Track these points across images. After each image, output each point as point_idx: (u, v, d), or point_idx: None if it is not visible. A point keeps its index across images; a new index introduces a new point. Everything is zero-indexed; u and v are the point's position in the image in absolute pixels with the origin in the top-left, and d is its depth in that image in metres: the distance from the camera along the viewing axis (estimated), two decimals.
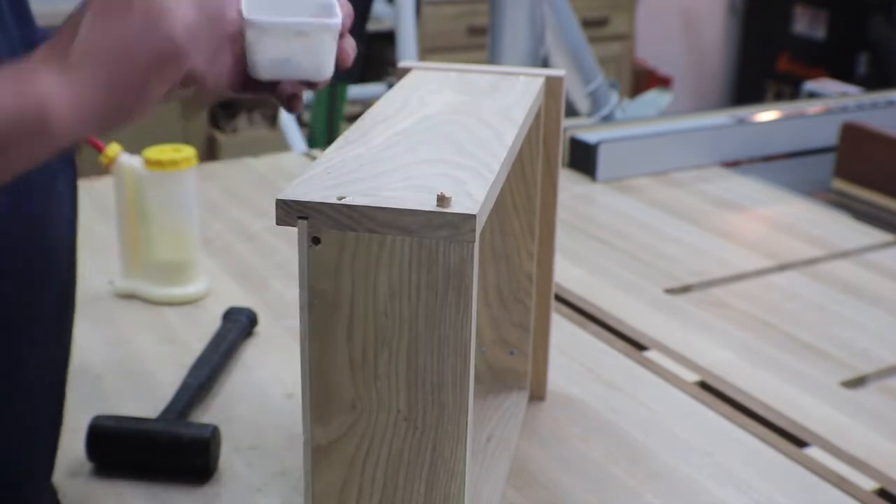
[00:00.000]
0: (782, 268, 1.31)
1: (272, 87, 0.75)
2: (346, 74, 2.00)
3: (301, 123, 2.19)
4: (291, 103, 0.75)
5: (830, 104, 1.88)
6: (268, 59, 0.71)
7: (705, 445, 0.91)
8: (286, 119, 2.11)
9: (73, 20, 0.59)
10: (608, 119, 1.77)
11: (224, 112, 3.26)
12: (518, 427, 0.91)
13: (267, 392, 0.97)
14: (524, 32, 1.67)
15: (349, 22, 0.72)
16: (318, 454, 0.62)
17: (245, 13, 0.71)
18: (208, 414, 0.93)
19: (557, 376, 1.00)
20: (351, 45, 0.74)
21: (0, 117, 0.55)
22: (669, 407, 0.97)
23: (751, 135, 1.75)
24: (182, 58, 0.61)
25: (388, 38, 2.50)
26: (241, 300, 1.15)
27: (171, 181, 1.10)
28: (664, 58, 4.10)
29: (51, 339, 0.75)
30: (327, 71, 0.72)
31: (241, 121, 3.26)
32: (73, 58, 0.58)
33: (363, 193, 0.57)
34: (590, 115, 1.78)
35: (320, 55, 0.71)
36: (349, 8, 0.73)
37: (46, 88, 0.57)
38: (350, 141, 0.66)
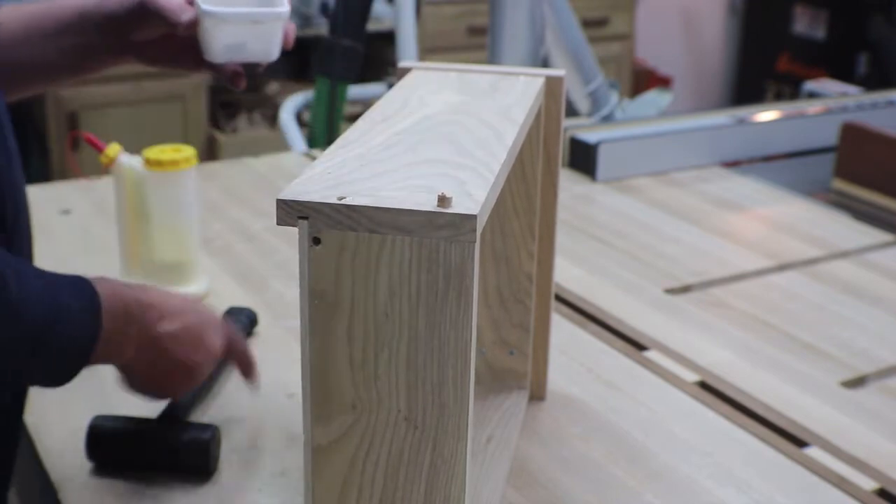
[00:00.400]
0: (782, 268, 1.31)
1: (217, 65, 0.84)
2: (345, 74, 2.00)
3: (301, 123, 2.19)
4: (235, 80, 0.84)
5: (830, 104, 1.88)
6: (223, 45, 0.79)
7: (705, 445, 0.91)
8: (286, 119, 2.11)
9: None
10: (608, 119, 1.77)
11: (224, 112, 3.26)
12: (518, 427, 0.91)
13: (267, 392, 0.97)
14: (524, 32, 1.67)
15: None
16: (318, 454, 0.62)
17: (201, 3, 0.77)
18: (208, 414, 0.93)
19: (557, 376, 1.00)
20: (292, 28, 0.84)
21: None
22: (669, 407, 0.97)
23: (751, 135, 1.75)
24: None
25: (388, 38, 2.50)
26: (241, 300, 1.15)
27: (171, 181, 1.10)
28: (664, 58, 4.10)
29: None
30: (275, 53, 0.81)
31: (241, 121, 3.26)
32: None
33: (363, 193, 0.57)
34: (590, 115, 1.78)
35: (270, 40, 0.80)
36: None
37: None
38: (350, 141, 0.67)
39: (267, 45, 0.81)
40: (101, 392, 0.96)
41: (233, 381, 0.99)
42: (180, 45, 0.87)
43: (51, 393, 0.94)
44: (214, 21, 0.78)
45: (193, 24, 0.82)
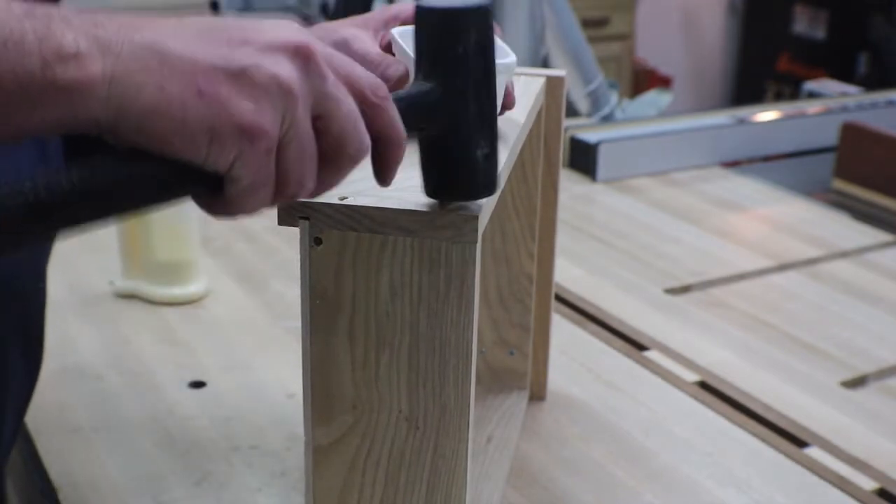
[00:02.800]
0: (782, 268, 1.31)
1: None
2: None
3: None
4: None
5: (830, 104, 1.88)
6: None
7: (705, 445, 0.91)
8: None
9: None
10: (608, 119, 1.77)
11: None
12: (518, 427, 0.91)
13: (267, 392, 0.97)
14: (524, 32, 1.67)
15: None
16: (319, 454, 0.62)
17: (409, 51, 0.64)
18: (208, 413, 0.93)
19: (557, 376, 1.00)
20: (512, 86, 0.70)
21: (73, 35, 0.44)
22: (669, 407, 0.97)
23: (751, 135, 1.75)
24: (288, 99, 0.47)
25: None
26: (242, 300, 1.15)
27: None
28: (664, 58, 4.10)
29: (9, 373, 0.73)
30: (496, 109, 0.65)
31: None
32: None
33: (365, 193, 0.57)
34: (590, 115, 1.78)
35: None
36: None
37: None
38: None
39: None
40: (101, 392, 0.97)
41: (233, 381, 0.99)
42: None
43: (51, 393, 0.95)
44: None
45: (403, 80, 0.67)
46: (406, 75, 0.67)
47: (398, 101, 0.53)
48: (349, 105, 0.49)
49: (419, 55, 0.56)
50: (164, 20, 0.48)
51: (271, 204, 0.50)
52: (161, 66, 0.45)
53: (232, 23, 0.49)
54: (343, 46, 0.69)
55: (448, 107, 0.55)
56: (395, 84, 0.67)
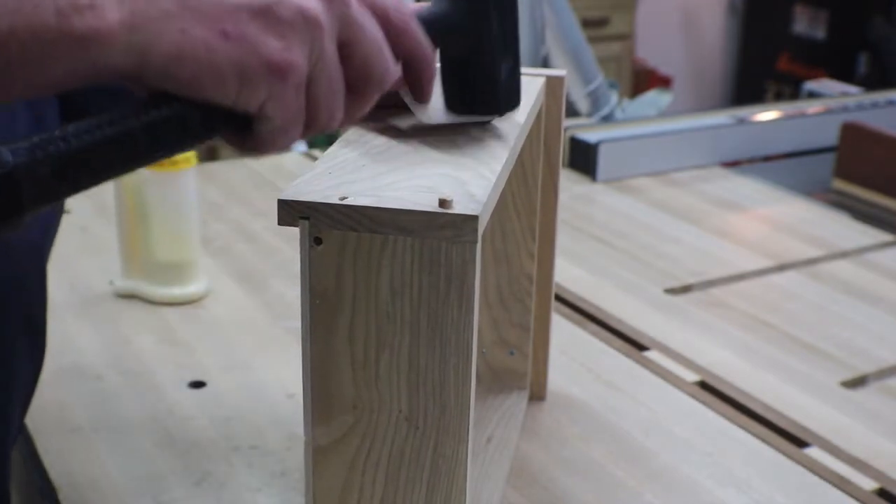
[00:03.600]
0: (782, 268, 1.31)
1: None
2: None
3: None
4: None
5: (830, 104, 1.88)
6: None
7: (705, 445, 0.91)
8: None
9: None
10: (608, 119, 1.77)
11: None
12: (518, 427, 0.91)
13: (267, 392, 0.97)
14: (524, 32, 1.67)
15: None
16: (319, 454, 0.62)
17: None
18: (208, 413, 0.93)
19: (557, 376, 1.00)
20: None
21: None
22: (669, 407, 0.97)
23: (751, 135, 1.75)
24: (317, 30, 0.46)
25: None
26: (242, 300, 1.15)
27: (171, 181, 1.10)
28: (664, 58, 4.10)
29: (15, 364, 0.73)
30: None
31: None
32: None
33: (365, 194, 0.57)
34: (590, 115, 1.78)
35: None
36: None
37: None
38: (351, 141, 0.66)
39: None
40: (100, 392, 0.97)
41: (233, 381, 0.99)
42: None
43: (51, 393, 0.95)
44: None
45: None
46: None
47: (421, 21, 0.53)
48: (373, 30, 0.49)
49: None
50: None
51: (302, 138, 0.49)
52: (182, 9, 0.44)
53: None
54: None
55: (472, 25, 0.54)
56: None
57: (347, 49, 0.48)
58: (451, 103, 0.56)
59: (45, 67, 0.43)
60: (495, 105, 0.56)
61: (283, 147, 0.49)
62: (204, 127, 0.47)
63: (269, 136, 0.48)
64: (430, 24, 0.53)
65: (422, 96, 0.53)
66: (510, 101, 0.56)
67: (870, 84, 2.90)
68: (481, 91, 0.56)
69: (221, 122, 0.47)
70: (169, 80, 0.44)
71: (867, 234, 1.42)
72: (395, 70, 0.50)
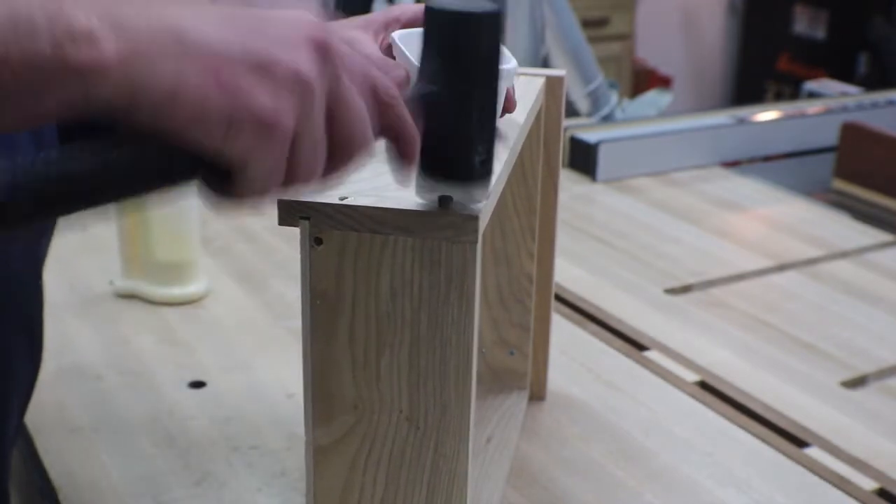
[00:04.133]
0: (782, 268, 1.31)
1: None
2: None
3: None
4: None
5: (830, 104, 1.88)
6: None
7: (705, 445, 0.91)
8: None
9: None
10: (608, 119, 1.77)
11: None
12: (518, 427, 0.91)
13: (267, 392, 0.97)
14: (524, 32, 1.67)
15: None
16: (319, 454, 0.62)
17: (411, 57, 0.65)
18: (208, 413, 0.93)
19: (557, 376, 1.00)
20: (513, 90, 0.70)
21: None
22: (669, 407, 0.97)
23: (751, 135, 1.75)
24: (305, 93, 0.46)
25: None
26: (242, 300, 1.15)
27: None
28: (664, 58, 4.10)
29: (13, 364, 0.73)
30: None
31: None
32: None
33: (365, 194, 0.57)
34: (590, 115, 1.78)
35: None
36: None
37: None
38: None
39: None
40: (100, 392, 0.97)
41: (233, 381, 0.99)
42: None
43: (51, 393, 0.95)
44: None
45: (403, 84, 0.65)
46: (407, 79, 0.67)
47: (410, 97, 0.54)
48: (359, 105, 0.49)
49: (425, 55, 0.55)
50: (185, 2, 0.46)
51: (277, 192, 0.50)
52: (180, 52, 0.44)
53: (253, 11, 0.48)
54: None
55: (451, 110, 0.55)
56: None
57: (333, 116, 0.48)
58: (418, 185, 0.57)
59: (38, 98, 0.42)
60: (469, 174, 0.56)
61: (258, 197, 0.49)
62: (186, 170, 0.47)
63: (247, 186, 0.48)
64: (416, 101, 0.54)
65: (402, 170, 0.54)
66: (478, 192, 0.57)
67: (870, 84, 2.90)
68: (451, 175, 0.56)
69: (203, 167, 0.47)
70: (158, 122, 0.44)
71: (867, 234, 1.42)
72: (372, 142, 0.51)
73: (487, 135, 0.56)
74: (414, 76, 0.61)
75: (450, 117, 0.55)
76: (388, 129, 0.52)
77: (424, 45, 0.55)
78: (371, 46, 0.69)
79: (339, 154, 0.50)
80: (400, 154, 0.53)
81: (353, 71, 0.49)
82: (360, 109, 0.49)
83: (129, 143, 0.46)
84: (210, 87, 0.44)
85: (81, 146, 0.45)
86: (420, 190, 0.57)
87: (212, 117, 0.44)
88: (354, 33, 0.70)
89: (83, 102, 0.43)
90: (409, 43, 0.66)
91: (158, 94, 0.44)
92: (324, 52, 0.47)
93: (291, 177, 0.48)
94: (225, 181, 0.48)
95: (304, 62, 0.46)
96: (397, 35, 0.68)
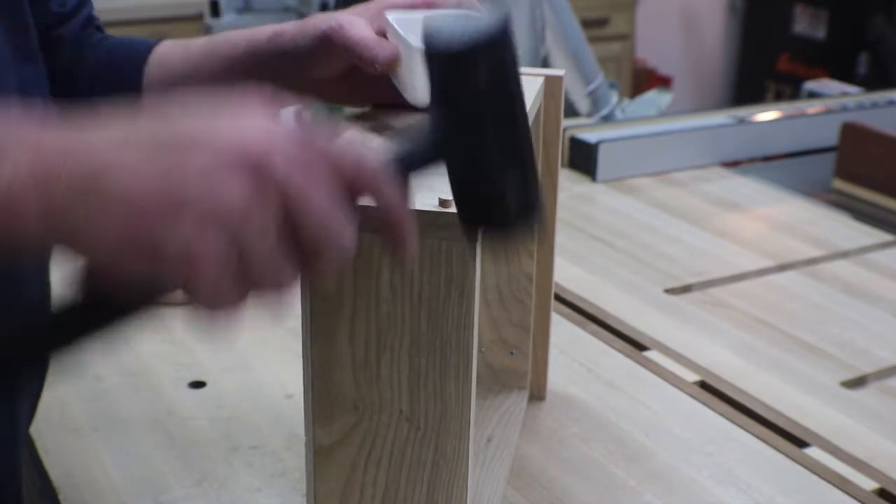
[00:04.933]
0: (782, 268, 1.31)
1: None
2: None
3: None
4: None
5: (830, 104, 1.88)
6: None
7: (705, 445, 0.91)
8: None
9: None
10: (608, 119, 1.78)
11: None
12: (518, 427, 0.91)
13: (267, 392, 0.97)
14: (524, 32, 1.67)
15: None
16: (320, 455, 0.62)
17: (409, 38, 0.63)
18: (208, 413, 0.93)
19: (557, 376, 1.00)
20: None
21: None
22: (669, 407, 0.97)
23: (751, 135, 1.75)
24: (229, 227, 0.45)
25: None
26: None
27: None
28: (664, 58, 4.10)
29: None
30: None
31: None
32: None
33: None
34: (590, 115, 1.78)
35: None
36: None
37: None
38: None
39: None
40: (100, 392, 0.97)
41: (233, 381, 0.99)
42: (369, 80, 0.72)
43: (51, 393, 0.95)
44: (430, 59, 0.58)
45: (394, 62, 0.69)
46: (397, 57, 0.67)
47: (408, 151, 0.51)
48: (319, 202, 0.47)
49: (433, 92, 0.52)
50: (109, 130, 0.47)
51: (252, 298, 0.50)
52: (99, 204, 0.45)
53: (183, 126, 0.47)
54: (338, 31, 0.70)
55: (465, 144, 0.51)
56: (386, 65, 0.68)
57: (294, 221, 0.47)
58: (461, 215, 0.54)
59: None
60: (507, 217, 0.52)
61: (231, 309, 0.50)
62: (149, 294, 0.50)
63: (204, 306, 0.49)
64: (422, 150, 0.51)
65: (398, 251, 0.51)
66: (522, 213, 0.53)
67: (870, 84, 2.90)
68: (488, 205, 0.52)
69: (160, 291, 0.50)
70: (85, 261, 0.48)
71: (867, 234, 1.42)
72: (350, 234, 0.49)
73: (516, 156, 0.51)
74: (408, 58, 0.59)
75: (464, 152, 0.51)
76: (374, 215, 0.50)
77: (429, 82, 0.52)
78: (364, 28, 0.70)
79: (313, 256, 0.48)
80: (390, 233, 0.51)
81: (314, 164, 0.47)
82: (320, 208, 0.47)
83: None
84: (129, 235, 0.45)
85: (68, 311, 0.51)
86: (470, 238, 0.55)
87: (132, 262, 0.46)
88: (349, 17, 0.71)
89: (12, 242, 0.46)
90: (405, 24, 0.66)
91: (79, 244, 0.46)
92: (259, 166, 0.45)
93: (258, 286, 0.49)
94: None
95: (232, 189, 0.45)
96: (392, 16, 0.68)
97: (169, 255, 0.45)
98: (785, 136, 1.78)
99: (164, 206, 0.45)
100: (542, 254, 0.92)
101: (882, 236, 1.42)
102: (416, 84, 0.67)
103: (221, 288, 0.47)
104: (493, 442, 0.88)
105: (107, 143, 0.46)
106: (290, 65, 0.73)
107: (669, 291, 1.23)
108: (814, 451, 0.91)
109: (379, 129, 0.70)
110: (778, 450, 0.91)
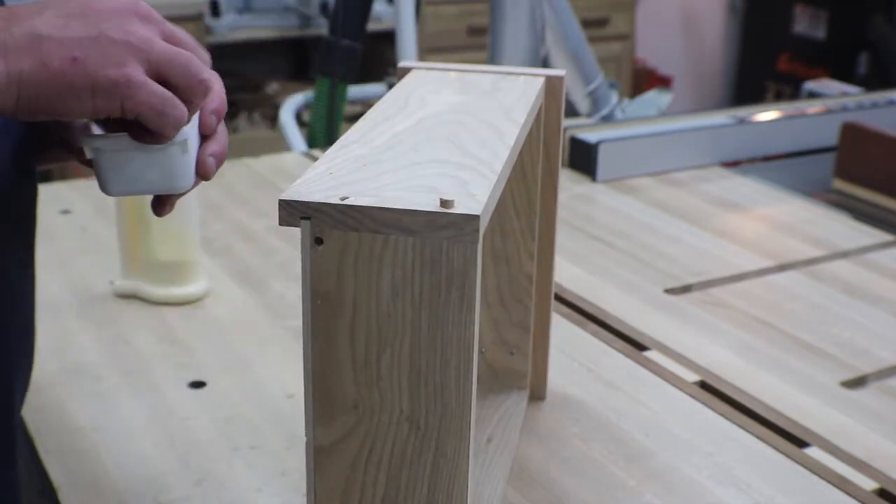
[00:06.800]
0: (782, 268, 1.31)
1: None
2: (346, 74, 2.00)
3: (301, 123, 2.19)
4: (156, 208, 0.70)
5: (830, 104, 1.88)
6: (113, 176, 0.66)
7: (705, 445, 0.91)
8: (286, 119, 2.11)
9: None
10: (608, 119, 1.78)
11: None
12: (518, 427, 0.91)
13: (267, 392, 0.97)
14: (524, 32, 1.67)
15: (214, 120, 0.67)
16: (320, 455, 0.62)
17: (86, 137, 0.66)
18: (208, 413, 0.93)
19: (557, 376, 1.00)
20: (215, 150, 0.68)
21: None
22: (669, 407, 0.97)
23: (751, 135, 1.75)
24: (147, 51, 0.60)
25: (388, 38, 2.50)
26: (241, 300, 1.15)
27: None
28: (664, 58, 4.11)
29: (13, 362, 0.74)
30: (185, 182, 0.67)
31: (241, 120, 3.26)
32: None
33: (366, 194, 0.57)
34: (590, 115, 1.78)
35: (171, 168, 0.66)
36: (220, 100, 0.67)
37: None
38: (351, 141, 0.67)
39: (168, 175, 0.66)
40: (101, 392, 0.97)
41: (233, 381, 0.99)
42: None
43: (51, 393, 0.95)
44: (97, 152, 0.65)
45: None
46: None
47: None
48: (184, 36, 0.64)
49: None
50: (31, 6, 0.59)
51: (195, 108, 0.63)
52: (40, 48, 0.57)
53: (86, 3, 0.60)
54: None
55: None
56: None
57: (174, 39, 0.63)
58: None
59: None
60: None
61: (176, 125, 0.62)
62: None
63: (154, 124, 0.61)
64: None
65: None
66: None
67: (870, 84, 2.90)
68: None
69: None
70: (41, 106, 0.58)
71: (867, 234, 1.42)
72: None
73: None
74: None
75: None
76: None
77: None
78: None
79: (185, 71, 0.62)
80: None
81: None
82: (187, 43, 0.64)
83: None
84: (68, 65, 0.57)
85: None
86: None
87: (77, 88, 0.57)
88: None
89: None
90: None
91: (32, 83, 0.57)
92: (146, 16, 0.61)
93: (189, 92, 0.62)
94: (147, 132, 0.61)
95: (133, 24, 0.60)
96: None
97: (104, 75, 0.58)
98: (785, 136, 1.78)
99: (90, 36, 0.58)
100: (542, 254, 0.93)
101: (882, 236, 1.42)
102: (100, 175, 0.67)
103: (157, 94, 0.60)
104: (493, 442, 0.88)
105: (32, 11, 0.59)
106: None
107: (669, 291, 1.23)
108: (814, 451, 0.91)
109: None
110: (778, 450, 0.91)
